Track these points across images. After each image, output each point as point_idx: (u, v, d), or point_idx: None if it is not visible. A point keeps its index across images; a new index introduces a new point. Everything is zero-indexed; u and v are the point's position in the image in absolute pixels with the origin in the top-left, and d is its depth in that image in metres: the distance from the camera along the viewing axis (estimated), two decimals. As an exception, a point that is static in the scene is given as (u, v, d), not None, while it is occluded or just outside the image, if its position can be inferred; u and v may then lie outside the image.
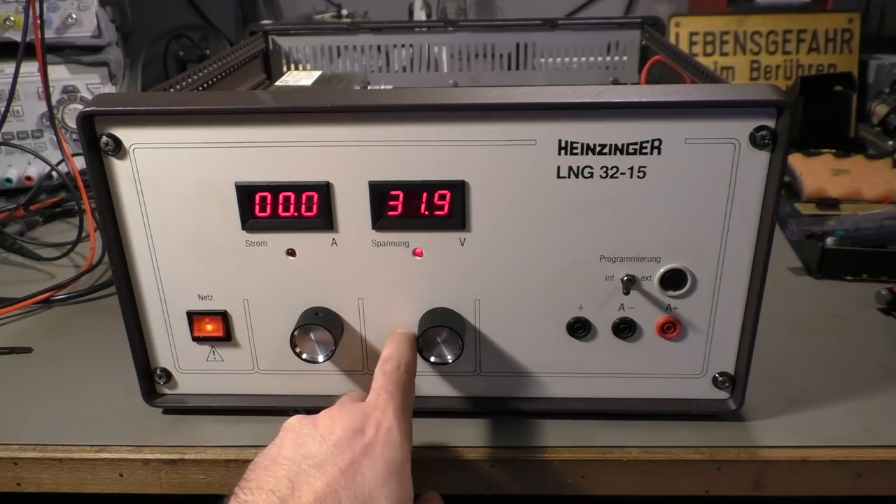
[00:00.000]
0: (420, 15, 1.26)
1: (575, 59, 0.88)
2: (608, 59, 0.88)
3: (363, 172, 0.45)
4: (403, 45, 0.89)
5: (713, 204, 0.45)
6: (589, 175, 0.45)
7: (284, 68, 0.89)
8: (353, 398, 0.44)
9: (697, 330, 0.49)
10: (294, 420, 0.42)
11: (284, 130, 0.45)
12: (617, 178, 0.45)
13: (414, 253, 0.48)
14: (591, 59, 0.88)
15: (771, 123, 0.43)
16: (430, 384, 0.52)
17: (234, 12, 1.47)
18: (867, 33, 1.16)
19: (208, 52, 1.32)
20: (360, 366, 0.52)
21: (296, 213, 0.47)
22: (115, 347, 0.57)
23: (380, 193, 0.46)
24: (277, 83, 0.75)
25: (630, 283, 0.47)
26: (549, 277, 0.48)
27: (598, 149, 0.44)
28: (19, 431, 0.52)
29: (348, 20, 1.24)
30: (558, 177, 0.45)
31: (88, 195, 0.77)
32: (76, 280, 0.72)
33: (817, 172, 0.85)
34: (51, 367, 0.59)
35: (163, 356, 0.52)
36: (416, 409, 0.46)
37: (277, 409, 0.51)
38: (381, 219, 0.47)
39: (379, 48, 0.89)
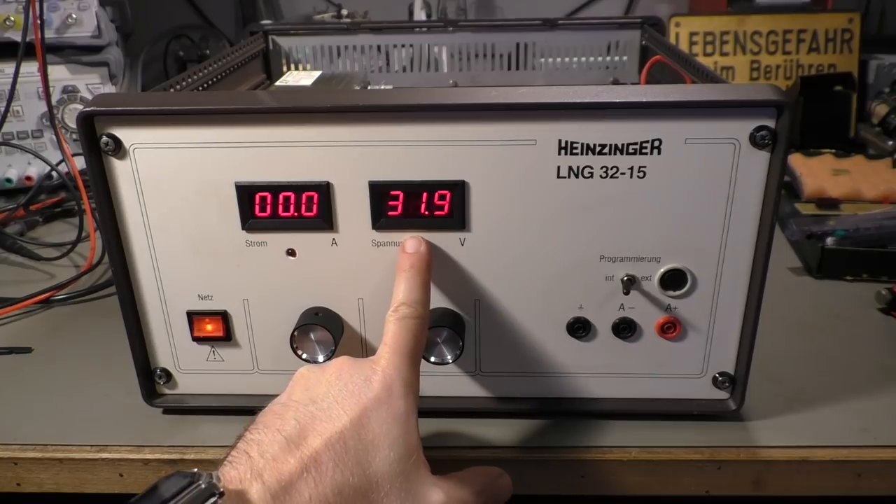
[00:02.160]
0: (420, 15, 1.26)
1: (575, 59, 0.88)
2: (608, 59, 0.88)
3: (363, 172, 0.45)
4: (403, 45, 0.89)
5: (713, 204, 0.45)
6: (589, 175, 0.45)
7: (284, 68, 0.89)
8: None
9: (697, 330, 0.49)
10: (303, 369, 0.42)
11: (284, 130, 0.45)
12: (617, 178, 0.45)
13: (414, 253, 0.48)
14: (591, 59, 0.88)
15: (771, 123, 0.43)
16: (430, 384, 0.52)
17: (234, 12, 1.47)
18: (867, 33, 1.16)
19: (208, 52, 1.31)
20: (360, 366, 0.52)
21: (296, 213, 0.47)
22: (115, 347, 0.57)
23: (380, 193, 0.46)
24: (277, 83, 0.75)
25: (630, 283, 0.47)
26: (548, 277, 0.48)
27: (598, 149, 0.44)
28: (19, 431, 0.52)
29: (348, 20, 1.24)
30: (558, 177, 0.45)
31: (88, 195, 0.77)
32: (76, 280, 0.72)
33: (817, 172, 0.85)
34: (51, 367, 0.59)
35: (163, 356, 0.52)
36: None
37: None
38: (381, 219, 0.47)
39: (379, 48, 0.89)
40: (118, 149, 0.45)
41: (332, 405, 0.39)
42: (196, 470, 0.34)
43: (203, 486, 0.34)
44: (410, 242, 0.46)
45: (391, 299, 0.47)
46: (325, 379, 0.40)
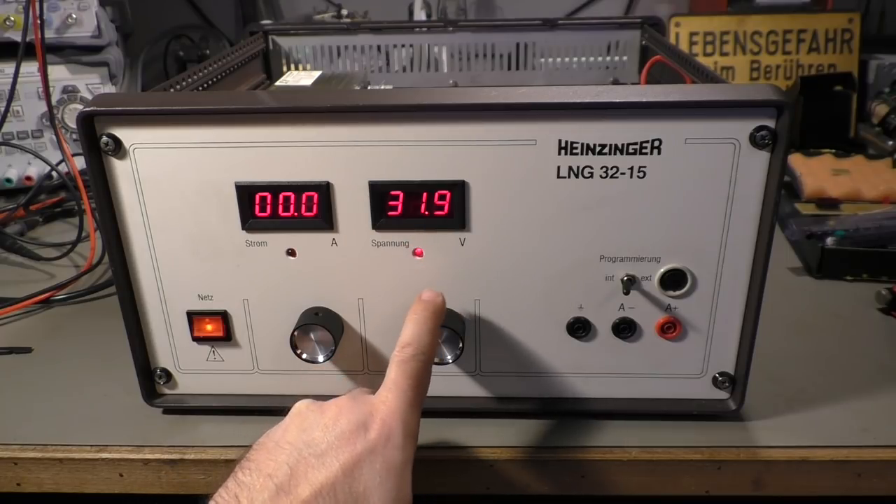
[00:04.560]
0: (420, 15, 1.26)
1: (575, 59, 0.88)
2: (608, 59, 0.88)
3: (363, 172, 0.45)
4: (403, 45, 0.89)
5: (713, 204, 0.45)
6: (589, 175, 0.45)
7: (284, 68, 0.89)
8: (364, 391, 0.44)
9: (697, 330, 0.49)
10: (302, 405, 0.42)
11: (284, 130, 0.45)
12: (617, 178, 0.45)
13: (414, 253, 0.48)
14: (591, 59, 0.88)
15: (771, 123, 0.43)
16: (431, 384, 0.52)
17: (234, 12, 1.47)
18: (867, 33, 1.16)
19: (208, 52, 1.31)
20: (360, 366, 0.52)
21: (296, 213, 0.47)
22: (115, 347, 0.57)
23: (380, 193, 0.46)
24: (277, 83, 0.75)
25: (630, 283, 0.47)
26: (549, 277, 0.48)
27: (598, 149, 0.44)
28: (19, 431, 0.52)
29: (348, 20, 1.24)
30: (558, 177, 0.45)
31: (88, 195, 0.77)
32: (76, 280, 0.72)
33: (817, 172, 0.85)
34: (51, 367, 0.59)
35: (163, 356, 0.52)
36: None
37: (277, 409, 0.51)
38: (381, 219, 0.47)
39: (379, 48, 0.89)
40: (118, 149, 0.45)
41: (326, 451, 0.38)
42: None
43: None
44: (427, 293, 0.47)
45: (391, 300, 0.47)
46: (323, 423, 0.40)
